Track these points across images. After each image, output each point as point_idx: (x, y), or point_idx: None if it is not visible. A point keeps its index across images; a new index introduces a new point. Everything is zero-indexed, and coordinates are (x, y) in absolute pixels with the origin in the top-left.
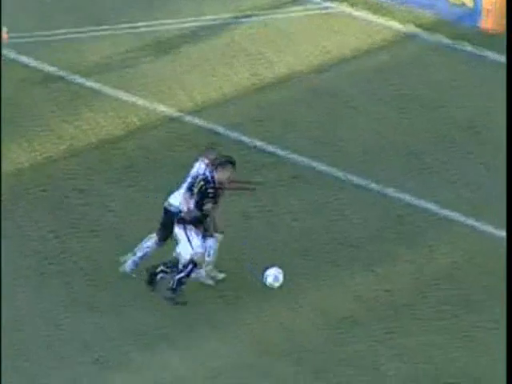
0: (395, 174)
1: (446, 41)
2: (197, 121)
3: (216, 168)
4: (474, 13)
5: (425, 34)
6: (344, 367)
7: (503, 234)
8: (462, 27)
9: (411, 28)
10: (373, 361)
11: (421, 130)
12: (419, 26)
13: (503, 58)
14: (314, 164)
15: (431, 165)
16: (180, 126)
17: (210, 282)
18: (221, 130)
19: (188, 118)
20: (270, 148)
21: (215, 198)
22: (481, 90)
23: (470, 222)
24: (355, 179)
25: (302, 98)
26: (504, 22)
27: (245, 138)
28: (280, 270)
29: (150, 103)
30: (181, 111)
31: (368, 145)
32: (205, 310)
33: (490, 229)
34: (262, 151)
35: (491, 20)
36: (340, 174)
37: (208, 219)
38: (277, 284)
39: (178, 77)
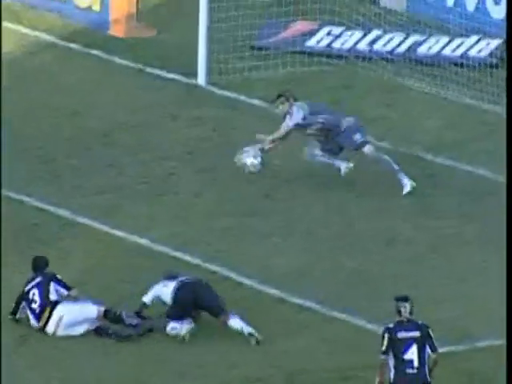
0: (27, 181)
1: (77, 46)
2: None
3: None
4: (103, 19)
5: (55, 39)
6: None
7: (135, 238)
8: (92, 32)
9: (41, 33)
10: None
11: (52, 136)
12: (49, 30)
13: (131, 63)
14: None
15: (64, 171)
16: None
17: None
18: None
19: None
20: None
21: None
22: (111, 95)
23: (101, 226)
24: None
25: None
26: (133, 27)
27: None
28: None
29: None
30: None
31: None
32: None
33: (120, 233)
34: None
35: (120, 27)
36: None
37: None
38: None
39: None
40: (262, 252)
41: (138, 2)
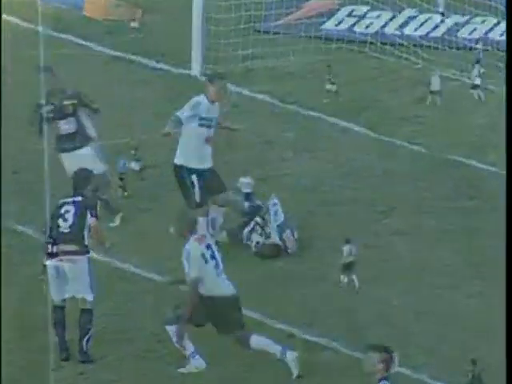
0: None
1: (45, 30)
2: None
3: None
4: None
5: (18, 21)
6: None
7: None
8: (64, 13)
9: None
10: None
11: (24, 142)
12: (11, 10)
13: (110, 51)
14: None
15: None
16: None
17: None
18: None
19: None
20: None
21: None
22: (87, 90)
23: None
24: None
25: None
26: (113, 7)
27: None
28: None
29: None
30: None
31: None
32: None
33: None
34: None
35: (97, 7)
36: None
37: None
38: None
39: None
40: None
41: None
